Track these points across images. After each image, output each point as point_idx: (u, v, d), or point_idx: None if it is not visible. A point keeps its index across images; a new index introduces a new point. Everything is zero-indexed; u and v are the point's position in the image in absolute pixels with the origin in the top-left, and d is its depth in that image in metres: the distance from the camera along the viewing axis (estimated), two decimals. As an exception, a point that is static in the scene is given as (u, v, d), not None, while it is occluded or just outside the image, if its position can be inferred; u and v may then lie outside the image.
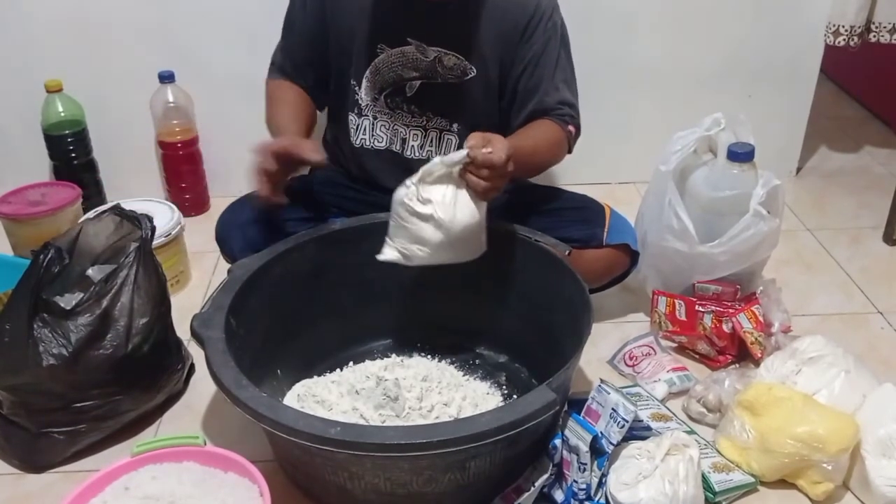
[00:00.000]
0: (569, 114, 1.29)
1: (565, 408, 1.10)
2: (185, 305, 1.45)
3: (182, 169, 1.83)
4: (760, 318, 1.32)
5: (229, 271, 1.23)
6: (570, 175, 1.88)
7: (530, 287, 1.28)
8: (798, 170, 2.00)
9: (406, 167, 1.34)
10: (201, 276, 1.63)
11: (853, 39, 1.74)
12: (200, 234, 1.66)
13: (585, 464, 1.02)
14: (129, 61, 1.76)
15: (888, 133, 2.22)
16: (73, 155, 1.76)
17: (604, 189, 1.89)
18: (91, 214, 1.40)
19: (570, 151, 1.34)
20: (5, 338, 1.13)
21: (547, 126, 1.29)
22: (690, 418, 1.24)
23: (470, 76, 1.30)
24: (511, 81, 1.30)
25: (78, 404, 1.15)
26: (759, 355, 1.29)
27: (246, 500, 0.99)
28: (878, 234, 1.72)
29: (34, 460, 1.18)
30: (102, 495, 1.00)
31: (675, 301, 1.38)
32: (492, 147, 1.06)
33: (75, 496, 0.99)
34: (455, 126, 1.34)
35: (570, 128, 1.29)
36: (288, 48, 1.37)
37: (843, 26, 1.73)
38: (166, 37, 1.75)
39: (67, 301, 1.16)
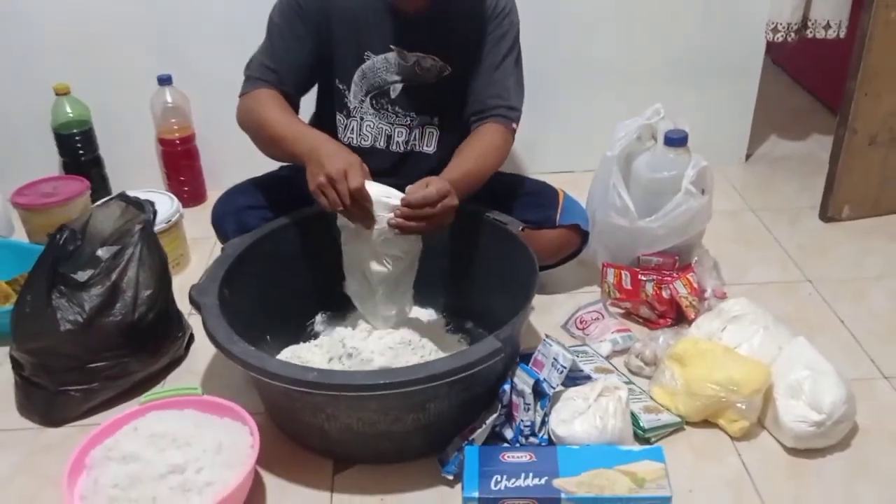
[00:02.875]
0: (511, 107, 1.42)
1: (518, 361, 1.26)
2: (185, 285, 1.57)
3: (180, 164, 1.97)
4: (695, 285, 1.48)
5: (223, 249, 1.39)
6: (538, 164, 2.05)
7: (489, 259, 1.43)
8: (748, 156, 2.16)
9: (390, 161, 1.47)
10: (199, 261, 1.78)
11: (790, 35, 1.91)
12: (198, 224, 1.80)
13: (529, 404, 1.18)
14: (130, 66, 1.90)
15: (834, 122, 2.37)
16: (81, 152, 1.90)
17: (568, 177, 2.03)
18: (100, 202, 1.55)
19: None
20: (26, 308, 1.29)
21: (489, 131, 1.40)
22: (631, 372, 1.40)
23: (446, 74, 1.43)
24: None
25: (91, 365, 1.30)
26: (693, 317, 1.45)
27: (238, 438, 1.15)
28: (815, 213, 1.88)
29: (53, 416, 1.32)
30: (115, 437, 1.16)
31: (622, 272, 1.54)
32: (427, 188, 1.20)
33: (91, 438, 1.15)
34: (436, 119, 1.47)
35: (514, 125, 1.42)
36: (280, 60, 1.39)
37: (781, 24, 1.89)
38: (164, 43, 1.88)
39: (81, 276, 1.31)
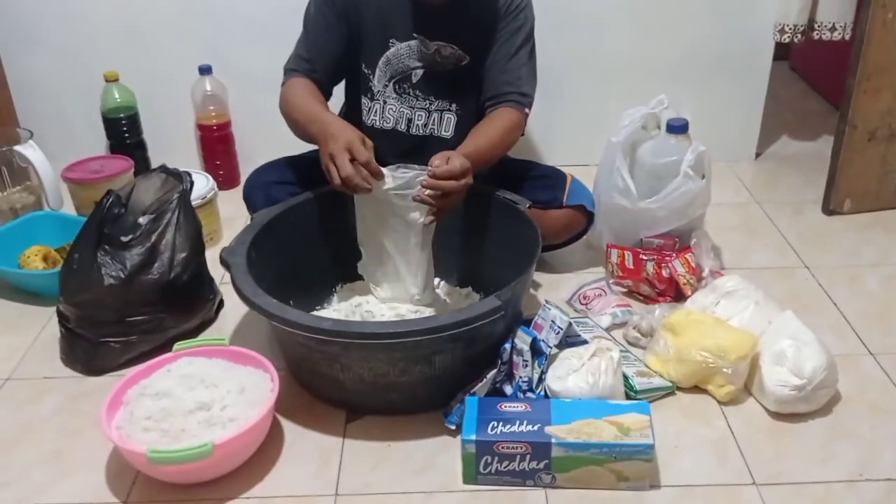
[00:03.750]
0: (524, 94, 1.51)
1: (520, 325, 1.35)
2: (217, 257, 1.72)
3: (217, 149, 2.09)
4: (693, 264, 1.56)
5: (251, 218, 1.51)
6: (552, 157, 2.14)
7: (499, 233, 1.53)
8: (757, 154, 2.22)
9: (409, 143, 1.58)
10: (231, 237, 1.84)
11: (797, 36, 1.98)
12: (231, 204, 1.92)
13: (527, 361, 1.27)
14: (174, 56, 2.04)
15: (848, 125, 2.43)
16: (127, 135, 2.03)
17: (584, 170, 2.11)
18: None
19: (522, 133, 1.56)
20: (74, 264, 1.42)
21: (503, 114, 1.49)
22: (629, 343, 1.48)
23: (464, 63, 1.54)
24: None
25: (130, 319, 1.42)
26: (689, 294, 1.53)
27: (260, 382, 1.26)
28: (818, 206, 1.94)
29: (94, 365, 1.43)
30: (150, 378, 1.27)
31: (625, 252, 1.62)
32: (450, 162, 1.31)
33: (128, 378, 1.27)
34: (454, 106, 1.57)
35: (526, 110, 1.52)
36: (314, 49, 1.52)
37: (788, 25, 1.97)
38: (205, 36, 2.02)
39: (124, 238, 1.44)
